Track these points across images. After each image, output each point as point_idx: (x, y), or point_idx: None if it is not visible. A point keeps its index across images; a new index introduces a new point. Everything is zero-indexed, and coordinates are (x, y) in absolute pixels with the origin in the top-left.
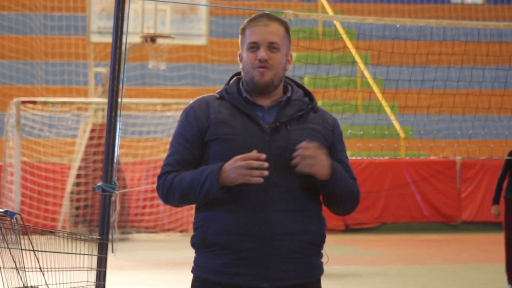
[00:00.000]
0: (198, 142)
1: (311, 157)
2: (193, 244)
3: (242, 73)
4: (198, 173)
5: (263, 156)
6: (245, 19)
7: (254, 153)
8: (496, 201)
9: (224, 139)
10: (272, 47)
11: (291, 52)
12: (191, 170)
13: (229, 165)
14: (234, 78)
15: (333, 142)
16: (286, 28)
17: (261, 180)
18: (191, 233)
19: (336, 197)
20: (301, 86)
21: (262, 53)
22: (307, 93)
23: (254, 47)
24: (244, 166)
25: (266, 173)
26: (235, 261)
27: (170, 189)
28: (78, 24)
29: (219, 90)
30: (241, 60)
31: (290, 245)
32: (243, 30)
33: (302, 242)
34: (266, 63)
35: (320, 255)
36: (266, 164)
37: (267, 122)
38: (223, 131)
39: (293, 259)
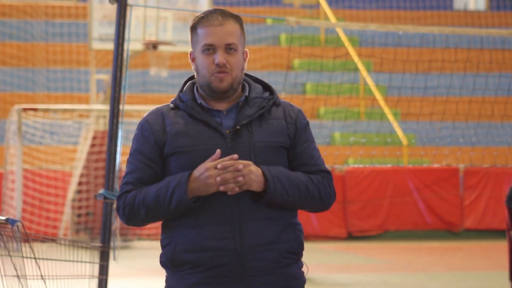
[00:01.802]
0: (158, 157)
1: (244, 176)
2: (162, 263)
3: (196, 77)
4: (164, 187)
5: (236, 156)
6: (246, 27)
7: (218, 152)
8: None
9: (183, 151)
10: (229, 48)
11: (246, 49)
12: (154, 184)
13: (200, 173)
14: (188, 83)
15: (295, 135)
16: (241, 24)
17: (236, 189)
18: None
19: (283, 204)
20: (259, 81)
21: (220, 58)
22: (266, 87)
23: (209, 49)
24: (218, 174)
25: (241, 179)
26: (208, 279)
27: (133, 209)
28: (79, 31)
29: (172, 99)
30: (193, 61)
31: (266, 255)
32: (195, 28)
33: (278, 251)
34: (225, 68)
35: (300, 264)
36: (241, 167)
37: (226, 127)
38: (181, 143)
39: (271, 270)
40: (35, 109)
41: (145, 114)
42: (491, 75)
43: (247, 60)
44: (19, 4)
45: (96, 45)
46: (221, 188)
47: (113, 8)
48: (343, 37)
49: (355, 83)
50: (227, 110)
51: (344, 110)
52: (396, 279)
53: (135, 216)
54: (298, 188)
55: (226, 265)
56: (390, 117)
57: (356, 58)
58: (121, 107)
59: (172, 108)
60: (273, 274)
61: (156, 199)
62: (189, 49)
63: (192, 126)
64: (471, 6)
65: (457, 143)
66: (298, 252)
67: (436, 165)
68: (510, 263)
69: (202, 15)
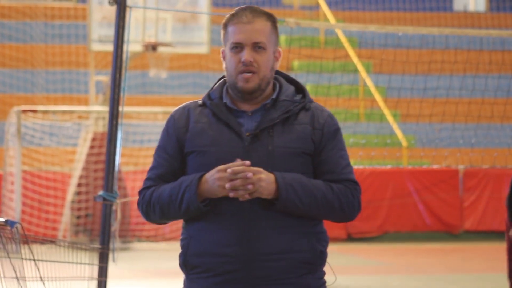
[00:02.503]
0: (178, 154)
1: (253, 184)
2: (179, 265)
3: (225, 74)
4: (177, 186)
5: (248, 162)
6: None
7: (237, 162)
8: None
9: (200, 151)
10: (257, 47)
11: (279, 48)
12: (170, 183)
13: (210, 175)
14: (221, 81)
15: (321, 141)
16: (273, 22)
17: (247, 195)
18: None
19: (296, 213)
20: (293, 82)
21: (246, 56)
22: (300, 90)
23: (237, 47)
24: (227, 178)
25: (250, 186)
26: (218, 285)
27: (150, 205)
28: (79, 33)
29: (204, 95)
30: (224, 58)
31: (275, 264)
32: (226, 26)
33: (289, 260)
34: (251, 66)
35: (319, 274)
36: (250, 175)
37: (248, 129)
38: (199, 142)
39: (282, 279)
40: (34, 111)
41: (173, 111)
42: (490, 76)
43: (279, 60)
44: (18, 5)
45: (96, 47)
46: (231, 194)
47: (112, 10)
48: (343, 38)
49: (355, 84)
50: (252, 112)
51: (344, 111)
52: (395, 281)
53: (152, 213)
54: (314, 196)
55: (234, 272)
56: (390, 118)
57: (355, 59)
58: (120, 108)
59: (200, 105)
60: (285, 284)
61: (169, 198)
62: (188, 50)
63: (214, 125)
64: (471, 7)
65: (457, 144)
66: (314, 261)
67: (435, 166)
68: (509, 262)
69: (233, 13)
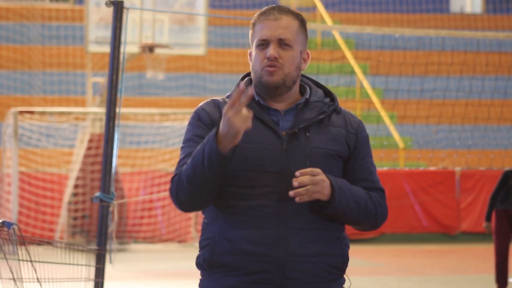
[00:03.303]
0: None
1: (312, 186)
2: (198, 264)
3: (251, 73)
4: (198, 149)
5: (250, 90)
6: (243, 30)
7: (234, 95)
8: (488, 218)
9: (237, 146)
10: (283, 43)
11: (308, 50)
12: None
13: (222, 122)
14: (245, 79)
15: (356, 147)
16: (302, 21)
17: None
18: (189, 243)
19: (342, 217)
20: (321, 86)
21: (271, 51)
22: (328, 93)
23: (263, 44)
24: (235, 113)
25: (251, 91)
26: (244, 284)
27: (180, 183)
28: (76, 34)
29: (228, 93)
30: (251, 59)
31: (309, 268)
32: (253, 25)
33: (322, 264)
34: (276, 62)
35: (342, 281)
36: (250, 91)
37: (283, 128)
38: None
39: (312, 283)
40: (31, 112)
41: (200, 105)
42: (487, 78)
43: (308, 61)
44: (15, 7)
45: (93, 48)
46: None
47: (109, 11)
48: (340, 40)
49: (352, 86)
50: (285, 111)
51: None
52: (392, 282)
53: (181, 190)
54: (359, 203)
55: (267, 272)
56: (387, 120)
57: (352, 61)
58: (117, 110)
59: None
60: None
61: (192, 161)
62: (185, 52)
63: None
64: (468, 9)
65: (454, 146)
66: (342, 268)
67: (432, 168)
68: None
69: (261, 12)
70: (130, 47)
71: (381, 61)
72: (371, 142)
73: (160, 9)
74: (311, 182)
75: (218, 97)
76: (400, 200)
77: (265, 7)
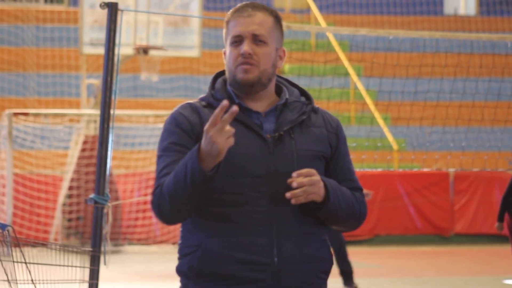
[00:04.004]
0: None
1: (309, 186)
2: (181, 272)
3: (226, 73)
4: (180, 165)
5: (226, 103)
6: None
7: (217, 111)
8: (501, 219)
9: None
10: (257, 40)
11: (284, 48)
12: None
13: (204, 140)
14: (219, 80)
15: (337, 146)
16: (276, 18)
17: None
18: None
19: (333, 218)
20: (295, 85)
21: (245, 47)
22: (302, 92)
23: (237, 41)
24: (219, 130)
25: (235, 108)
26: None
27: (161, 198)
28: (70, 36)
29: (202, 96)
30: (225, 58)
31: (301, 274)
32: (227, 22)
33: (313, 270)
34: (251, 59)
35: (326, 285)
36: (235, 108)
37: (267, 130)
38: None
39: None
40: (26, 114)
41: (177, 108)
42: (481, 80)
43: (284, 59)
44: (10, 8)
45: (87, 50)
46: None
47: (103, 13)
48: (334, 42)
49: (346, 87)
50: (265, 113)
51: (335, 115)
52: (386, 283)
53: (164, 205)
54: (348, 204)
55: (260, 281)
56: (381, 121)
57: (346, 63)
58: (111, 111)
59: (204, 106)
60: None
61: (174, 178)
62: (179, 54)
63: (231, 126)
64: (461, 11)
65: (447, 148)
66: (329, 272)
67: (426, 170)
68: None
69: (234, 9)
70: (124, 49)
71: (375, 62)
72: (365, 144)
73: (155, 11)
74: (309, 182)
75: (191, 100)
76: (394, 202)
77: (239, 4)
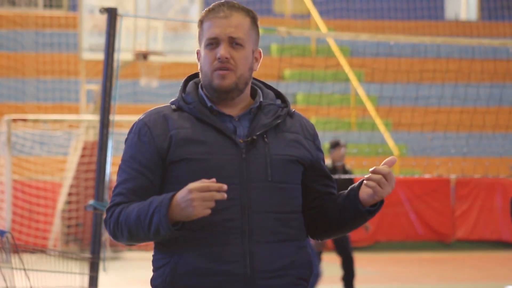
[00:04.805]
0: (157, 166)
1: (392, 182)
2: (155, 286)
3: (200, 75)
4: (146, 206)
5: (225, 187)
6: None
7: (213, 183)
8: None
9: (191, 159)
10: (234, 43)
11: (259, 49)
12: (139, 202)
13: (183, 196)
14: (190, 83)
15: (317, 155)
16: (253, 18)
17: (225, 196)
18: None
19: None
20: (270, 87)
21: (222, 51)
22: (278, 95)
23: (212, 43)
24: (203, 198)
25: (224, 195)
26: None
27: (117, 225)
28: (69, 41)
29: (173, 99)
30: (199, 59)
31: (276, 282)
32: (201, 22)
33: (290, 277)
34: (228, 63)
35: None
36: (224, 196)
37: (240, 135)
38: (189, 149)
39: None
40: (25, 120)
41: (142, 115)
42: (482, 85)
43: (259, 61)
44: (9, 14)
45: (86, 55)
46: (206, 213)
47: (103, 18)
48: (334, 47)
49: (346, 93)
50: (239, 117)
51: (335, 120)
52: None
53: (119, 234)
54: None
55: None
56: (381, 127)
57: (347, 68)
58: (111, 117)
59: (174, 110)
60: None
61: (137, 219)
62: (179, 59)
63: (201, 131)
64: (463, 16)
65: (448, 154)
66: (309, 278)
67: (427, 176)
68: None
69: (209, 8)
70: (124, 54)
71: (376, 68)
72: (366, 150)
73: (154, 16)
74: (392, 178)
75: (160, 105)
76: (395, 208)
77: (214, 3)
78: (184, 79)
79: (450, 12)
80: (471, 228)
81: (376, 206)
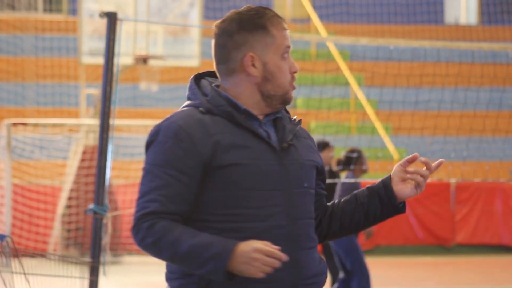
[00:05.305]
0: (197, 172)
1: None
2: None
3: (257, 81)
4: (203, 245)
5: (285, 258)
6: None
7: (278, 252)
8: None
9: (240, 164)
10: None
11: None
12: (192, 232)
13: (246, 252)
14: (204, 83)
15: (320, 158)
16: None
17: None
18: None
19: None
20: None
21: (296, 65)
22: None
23: (287, 52)
24: (265, 262)
25: (279, 264)
26: None
27: (157, 244)
28: (69, 45)
29: (189, 103)
30: (254, 65)
31: None
32: (264, 26)
33: (320, 284)
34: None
35: None
36: (279, 264)
37: (273, 140)
38: (237, 155)
39: None
40: (24, 124)
41: (173, 119)
42: (482, 89)
43: None
44: (8, 18)
45: (86, 60)
46: (260, 275)
47: (103, 22)
48: (334, 51)
49: (346, 97)
50: (263, 121)
51: (335, 125)
52: None
53: (156, 251)
54: None
55: None
56: (381, 131)
57: (347, 72)
58: (111, 121)
59: (203, 113)
60: None
61: (188, 253)
62: (179, 63)
63: (241, 135)
64: (463, 20)
65: (448, 158)
66: (324, 284)
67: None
68: None
69: (270, 14)
70: (124, 58)
71: (376, 72)
72: (366, 154)
73: (154, 20)
74: (420, 186)
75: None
76: None
77: (260, 7)
78: (192, 79)
79: (450, 16)
80: (471, 232)
81: (403, 203)
